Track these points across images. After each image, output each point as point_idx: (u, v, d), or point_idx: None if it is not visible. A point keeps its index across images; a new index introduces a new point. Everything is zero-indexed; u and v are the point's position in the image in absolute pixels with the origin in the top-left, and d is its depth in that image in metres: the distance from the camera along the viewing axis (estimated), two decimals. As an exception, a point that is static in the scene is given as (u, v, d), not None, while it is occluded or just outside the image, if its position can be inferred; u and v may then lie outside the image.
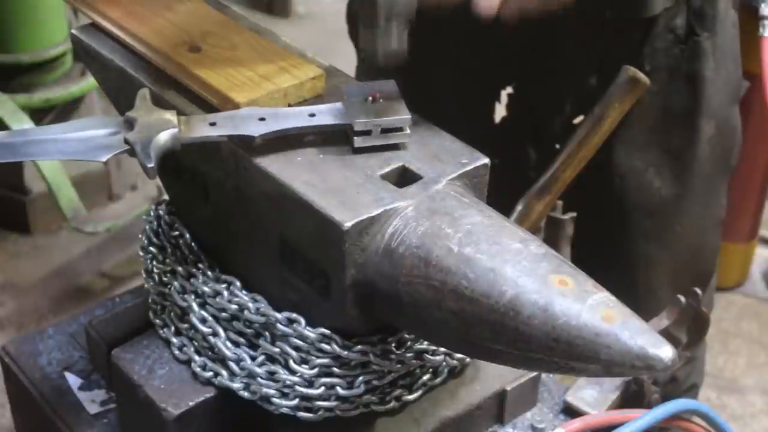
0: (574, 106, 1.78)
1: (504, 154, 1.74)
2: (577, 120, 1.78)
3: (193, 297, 1.26)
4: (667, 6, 1.64)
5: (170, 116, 1.15)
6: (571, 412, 1.36)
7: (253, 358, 1.20)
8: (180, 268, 1.28)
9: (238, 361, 1.21)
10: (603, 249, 1.79)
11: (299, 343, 1.16)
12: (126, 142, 1.14)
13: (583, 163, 1.51)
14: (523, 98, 1.86)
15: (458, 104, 1.82)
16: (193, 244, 1.29)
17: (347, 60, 1.89)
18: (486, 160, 1.16)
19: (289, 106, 1.22)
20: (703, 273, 1.92)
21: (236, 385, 1.21)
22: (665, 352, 0.93)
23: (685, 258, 1.86)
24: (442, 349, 1.23)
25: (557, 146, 1.80)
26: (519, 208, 1.52)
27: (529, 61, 1.75)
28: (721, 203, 1.89)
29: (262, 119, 1.15)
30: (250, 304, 1.20)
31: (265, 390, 1.19)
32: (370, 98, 1.16)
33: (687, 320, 1.43)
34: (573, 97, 1.76)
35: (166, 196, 1.36)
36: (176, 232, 1.31)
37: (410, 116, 1.15)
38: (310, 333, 1.15)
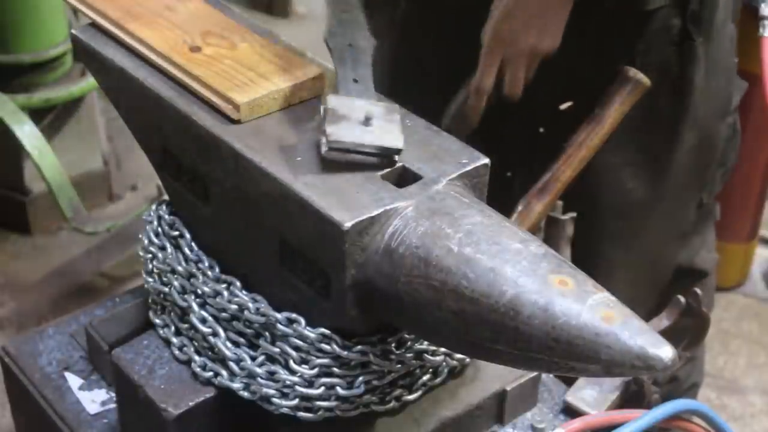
0: (563, 92, 1.77)
1: (489, 136, 1.73)
2: (564, 106, 1.77)
3: (193, 297, 1.26)
4: (661, 4, 1.63)
5: None
6: (571, 412, 1.36)
7: (253, 358, 1.20)
8: (180, 268, 1.28)
9: (238, 361, 1.21)
10: (574, 249, 1.77)
11: (299, 343, 1.16)
12: None
13: (583, 163, 1.51)
14: None
15: (445, 86, 1.81)
16: (193, 244, 1.29)
17: (347, 60, 1.89)
18: (486, 160, 1.15)
19: (290, 106, 1.22)
20: (659, 286, 1.89)
21: (236, 385, 1.21)
22: (665, 352, 0.93)
23: (644, 268, 1.85)
24: (442, 349, 1.23)
25: (541, 130, 1.78)
26: (519, 208, 1.52)
27: None
28: (688, 219, 1.87)
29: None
30: (250, 304, 1.20)
31: (265, 390, 1.19)
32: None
33: (687, 320, 1.43)
34: (563, 83, 1.75)
35: (166, 196, 1.36)
36: (176, 232, 1.31)
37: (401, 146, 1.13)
38: (310, 333, 1.15)
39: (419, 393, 1.25)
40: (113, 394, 1.38)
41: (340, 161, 1.13)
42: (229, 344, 1.22)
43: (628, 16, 1.65)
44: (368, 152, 1.12)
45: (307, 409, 1.19)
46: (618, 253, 1.80)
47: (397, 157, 1.13)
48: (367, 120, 1.12)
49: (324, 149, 1.12)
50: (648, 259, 1.85)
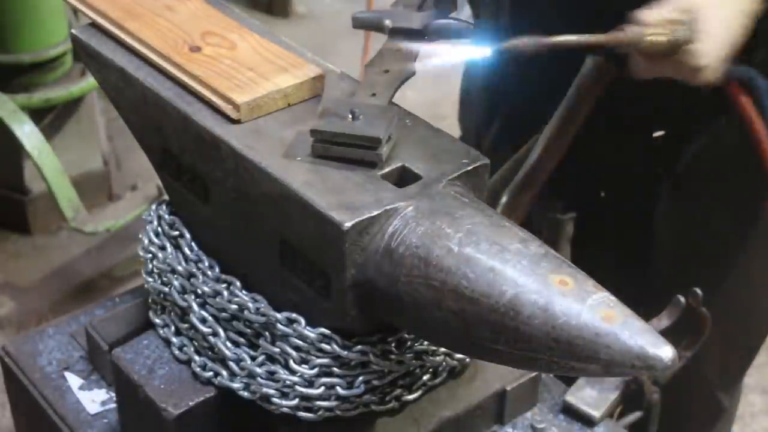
0: (655, 120, 1.70)
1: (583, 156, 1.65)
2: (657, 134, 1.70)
3: (193, 297, 1.26)
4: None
5: None
6: (571, 411, 1.36)
7: (253, 358, 1.20)
8: (180, 268, 1.28)
9: (238, 361, 1.21)
10: (574, 249, 1.73)
11: (299, 343, 1.16)
12: None
13: (563, 151, 1.51)
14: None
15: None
16: (193, 244, 1.29)
17: (347, 60, 1.89)
18: (485, 161, 1.16)
19: (290, 106, 1.22)
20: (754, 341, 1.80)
21: (236, 385, 1.21)
22: (665, 352, 0.93)
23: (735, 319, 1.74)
24: (442, 349, 1.23)
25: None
26: (504, 200, 1.51)
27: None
28: None
29: None
30: (250, 304, 1.20)
31: (265, 390, 1.19)
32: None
33: (687, 320, 1.43)
34: (655, 111, 1.68)
35: (166, 196, 1.36)
36: (176, 232, 1.31)
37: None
38: (310, 333, 1.15)
39: (419, 393, 1.25)
40: (113, 394, 1.38)
41: (332, 158, 1.13)
42: (229, 344, 1.22)
43: None
44: (348, 142, 1.12)
45: (307, 409, 1.19)
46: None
47: (385, 150, 1.13)
48: (355, 115, 1.13)
49: (311, 141, 1.13)
50: (742, 308, 1.74)
